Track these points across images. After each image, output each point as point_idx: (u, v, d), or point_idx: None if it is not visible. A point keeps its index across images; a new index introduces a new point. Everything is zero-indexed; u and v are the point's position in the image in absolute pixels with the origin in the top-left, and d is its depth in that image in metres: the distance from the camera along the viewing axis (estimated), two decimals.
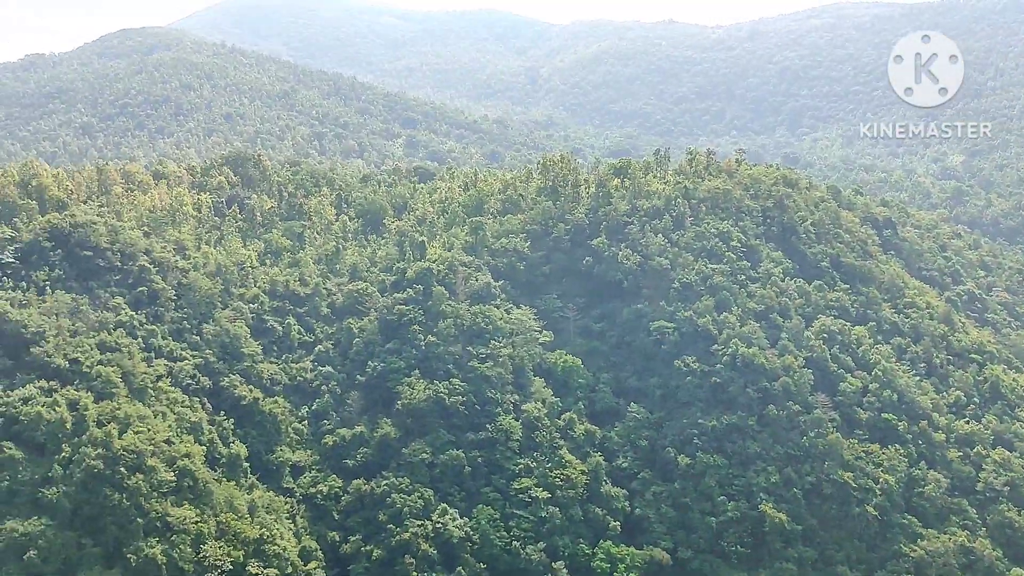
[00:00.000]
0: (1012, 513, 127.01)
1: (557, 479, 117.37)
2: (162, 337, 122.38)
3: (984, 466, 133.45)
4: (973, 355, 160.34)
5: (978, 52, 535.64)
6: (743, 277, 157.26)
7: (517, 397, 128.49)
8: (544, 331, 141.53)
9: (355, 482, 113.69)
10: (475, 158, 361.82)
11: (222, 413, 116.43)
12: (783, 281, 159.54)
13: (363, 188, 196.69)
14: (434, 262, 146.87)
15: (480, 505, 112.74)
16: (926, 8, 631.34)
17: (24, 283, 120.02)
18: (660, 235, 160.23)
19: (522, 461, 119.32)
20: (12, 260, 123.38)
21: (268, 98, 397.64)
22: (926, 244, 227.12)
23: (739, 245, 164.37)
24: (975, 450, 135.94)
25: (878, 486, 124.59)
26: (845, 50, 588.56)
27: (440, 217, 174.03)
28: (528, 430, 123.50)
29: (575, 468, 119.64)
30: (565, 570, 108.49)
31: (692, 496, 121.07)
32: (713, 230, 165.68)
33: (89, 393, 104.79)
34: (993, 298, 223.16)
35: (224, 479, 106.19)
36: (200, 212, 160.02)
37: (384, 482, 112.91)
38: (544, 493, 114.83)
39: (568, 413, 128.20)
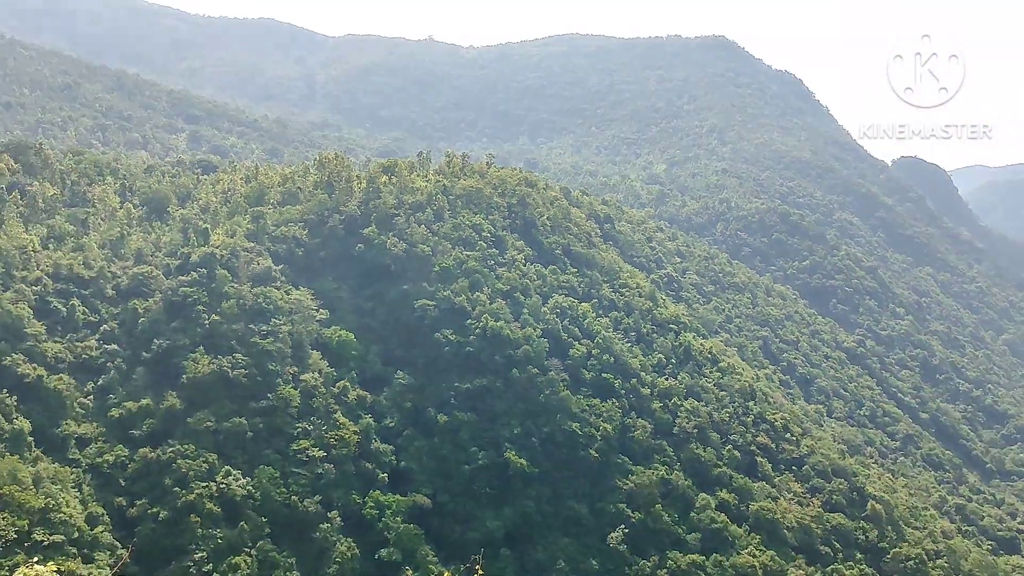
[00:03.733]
0: (700, 450, 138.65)
1: (332, 439, 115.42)
2: None
3: (679, 414, 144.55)
4: (671, 325, 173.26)
5: (676, 81, 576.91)
6: (492, 262, 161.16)
7: (296, 368, 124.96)
8: (321, 309, 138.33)
9: (141, 450, 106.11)
10: (256, 154, 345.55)
11: (4, 391, 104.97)
12: (525, 266, 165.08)
13: (147, 178, 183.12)
14: (217, 247, 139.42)
15: (261, 466, 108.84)
16: (639, 43, 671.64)
17: None
18: (423, 226, 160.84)
19: (300, 425, 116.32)
20: None
21: (50, 90, 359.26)
22: (636, 236, 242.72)
23: (489, 235, 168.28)
24: (672, 401, 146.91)
25: (599, 433, 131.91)
26: (575, 74, 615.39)
27: (223, 207, 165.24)
28: (306, 397, 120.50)
29: (348, 429, 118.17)
30: (339, 518, 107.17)
31: (449, 448, 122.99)
32: (467, 222, 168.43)
33: None
34: (686, 279, 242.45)
35: (7, 453, 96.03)
36: None
37: (170, 449, 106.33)
38: (320, 452, 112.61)
39: (342, 381, 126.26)
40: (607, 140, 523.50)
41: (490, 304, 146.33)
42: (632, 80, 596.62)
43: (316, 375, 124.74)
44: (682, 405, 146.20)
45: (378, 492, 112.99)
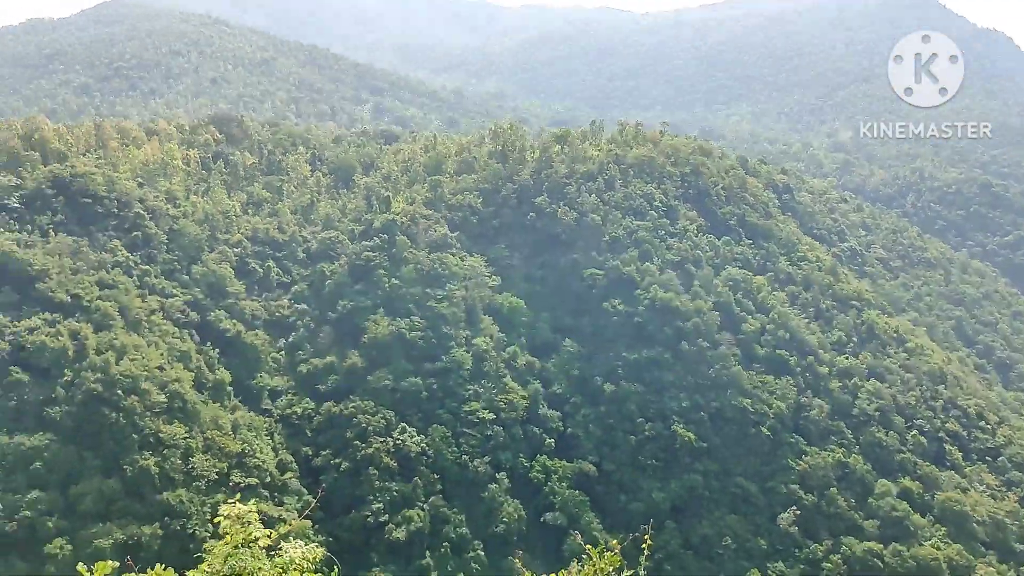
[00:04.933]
0: (881, 434, 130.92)
1: (501, 403, 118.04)
2: (155, 276, 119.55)
3: (859, 395, 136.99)
4: (853, 302, 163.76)
5: (865, 43, 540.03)
6: (663, 232, 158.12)
7: (468, 333, 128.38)
8: (493, 276, 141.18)
9: (326, 404, 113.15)
10: (435, 124, 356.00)
11: (209, 344, 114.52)
12: (697, 236, 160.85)
13: (335, 148, 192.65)
14: (398, 214, 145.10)
15: (435, 425, 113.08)
16: (824, 2, 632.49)
17: (29, 226, 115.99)
18: (594, 195, 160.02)
19: (471, 387, 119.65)
20: (18, 205, 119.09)
21: (250, 65, 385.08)
22: (817, 207, 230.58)
23: (660, 205, 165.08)
24: (852, 381, 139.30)
25: (771, 410, 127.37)
26: (754, 37, 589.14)
27: (403, 175, 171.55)
28: (477, 361, 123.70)
29: (517, 393, 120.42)
30: (507, 480, 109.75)
31: (616, 418, 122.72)
32: (639, 192, 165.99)
33: (89, 325, 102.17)
34: (871, 254, 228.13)
35: (210, 401, 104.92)
36: (188, 166, 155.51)
37: (351, 405, 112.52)
38: (490, 414, 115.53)
39: (512, 347, 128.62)
40: (788, 106, 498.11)
41: (660, 275, 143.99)
42: (816, 42, 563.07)
43: (487, 340, 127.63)
44: (863, 386, 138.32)
45: (545, 457, 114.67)
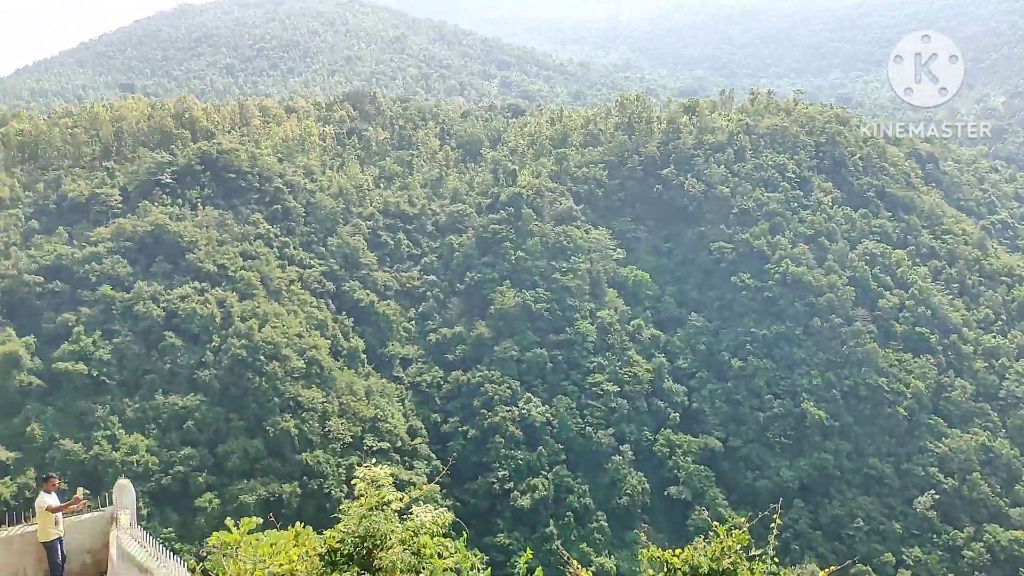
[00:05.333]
0: None
1: (626, 376, 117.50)
2: (294, 248, 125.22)
3: (1007, 376, 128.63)
4: (1003, 277, 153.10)
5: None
6: (795, 204, 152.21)
7: (593, 305, 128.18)
8: (618, 249, 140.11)
9: (454, 373, 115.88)
10: (561, 97, 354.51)
11: (344, 313, 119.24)
12: (832, 209, 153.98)
13: (463, 122, 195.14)
14: (524, 187, 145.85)
15: (559, 396, 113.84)
16: None
17: (180, 200, 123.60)
18: (722, 166, 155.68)
19: (596, 359, 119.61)
20: (170, 180, 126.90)
21: (382, 42, 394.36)
22: (965, 177, 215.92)
23: (793, 176, 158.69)
24: (1000, 361, 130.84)
25: (909, 390, 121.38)
26: None
27: (530, 148, 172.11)
28: (602, 333, 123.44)
29: (641, 367, 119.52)
30: (631, 452, 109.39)
31: (743, 394, 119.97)
32: (770, 162, 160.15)
33: (234, 293, 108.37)
34: None
35: (345, 368, 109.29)
36: (324, 142, 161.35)
37: (478, 374, 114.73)
38: (614, 387, 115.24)
39: (637, 320, 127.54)
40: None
41: (791, 248, 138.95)
42: (964, 2, 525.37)
43: (612, 312, 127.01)
44: (1012, 366, 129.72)
45: (669, 431, 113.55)
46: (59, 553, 12.82)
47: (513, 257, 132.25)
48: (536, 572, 10.84)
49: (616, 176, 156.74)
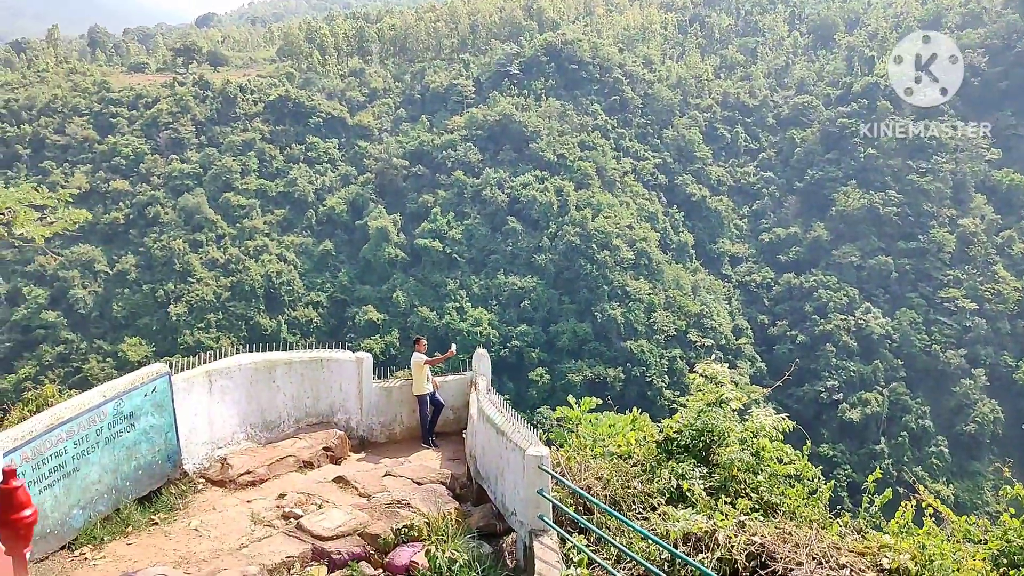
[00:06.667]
0: None
1: (987, 293, 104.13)
2: (629, 139, 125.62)
3: None
4: None
5: None
6: None
7: (954, 212, 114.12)
8: (992, 148, 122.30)
9: (785, 275, 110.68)
10: None
11: (675, 207, 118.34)
12: None
13: (817, 4, 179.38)
14: (882, 77, 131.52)
15: (903, 308, 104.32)
16: None
17: (525, 91, 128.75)
18: None
19: (952, 272, 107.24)
20: (517, 72, 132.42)
21: None
22: None
23: None
24: None
25: None
26: None
27: (893, 32, 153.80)
28: (962, 244, 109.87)
29: (1009, 284, 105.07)
30: (984, 377, 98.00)
31: None
32: None
33: (571, 182, 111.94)
34: None
35: (673, 261, 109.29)
36: (666, 30, 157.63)
37: (812, 278, 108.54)
38: (971, 304, 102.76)
39: (1008, 231, 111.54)
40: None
41: None
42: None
43: (977, 220, 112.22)
44: None
45: None
46: (428, 406, 14.65)
47: (862, 154, 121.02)
48: (886, 493, 9.89)
49: (999, 63, 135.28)
